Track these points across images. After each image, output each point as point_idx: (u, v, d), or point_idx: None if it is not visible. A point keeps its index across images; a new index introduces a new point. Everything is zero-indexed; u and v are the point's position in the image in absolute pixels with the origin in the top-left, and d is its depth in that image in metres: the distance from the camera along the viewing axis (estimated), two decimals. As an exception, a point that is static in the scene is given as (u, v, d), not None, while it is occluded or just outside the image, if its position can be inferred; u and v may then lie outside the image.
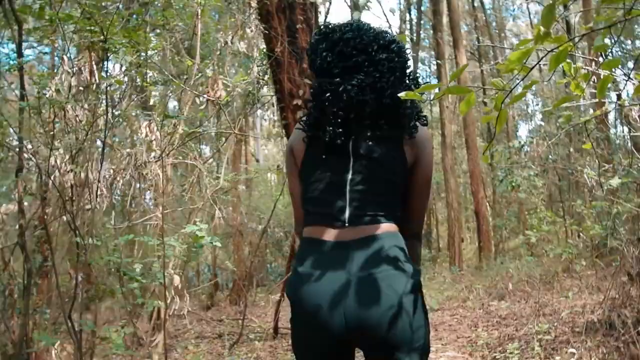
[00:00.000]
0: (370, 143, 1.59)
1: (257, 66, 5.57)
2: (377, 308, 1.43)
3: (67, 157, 3.50)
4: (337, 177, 1.60)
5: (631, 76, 2.60)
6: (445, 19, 15.86)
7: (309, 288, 1.50)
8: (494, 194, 18.00)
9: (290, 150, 1.73)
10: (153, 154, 3.85)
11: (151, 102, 4.79)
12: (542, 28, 1.46)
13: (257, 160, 17.23)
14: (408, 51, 1.74)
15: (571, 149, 9.93)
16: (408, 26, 21.60)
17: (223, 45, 5.09)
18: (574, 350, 3.16)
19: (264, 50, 5.74)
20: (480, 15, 20.71)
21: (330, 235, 1.54)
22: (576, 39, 1.81)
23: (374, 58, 1.60)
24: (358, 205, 1.56)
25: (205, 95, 4.50)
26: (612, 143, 8.91)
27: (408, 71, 1.71)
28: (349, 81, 1.56)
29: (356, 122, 1.59)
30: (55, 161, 3.46)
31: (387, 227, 1.56)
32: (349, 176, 1.59)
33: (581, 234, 7.75)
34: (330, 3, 7.37)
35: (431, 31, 18.14)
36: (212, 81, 4.64)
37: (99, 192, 3.54)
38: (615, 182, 2.69)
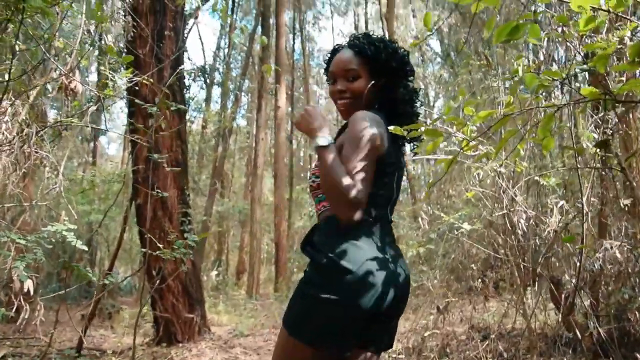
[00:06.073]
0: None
1: (109, 63, 5.17)
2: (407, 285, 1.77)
3: None
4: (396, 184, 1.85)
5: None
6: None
7: (389, 271, 1.65)
8: (289, 229, 19.03)
9: (382, 134, 1.74)
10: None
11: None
12: (511, 97, 1.85)
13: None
14: None
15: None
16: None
17: (85, 34, 4.62)
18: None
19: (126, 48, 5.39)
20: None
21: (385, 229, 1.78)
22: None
23: None
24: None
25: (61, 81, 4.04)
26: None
27: None
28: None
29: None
30: None
31: None
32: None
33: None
34: (196, 17, 7.22)
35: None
36: (68, 69, 4.20)
37: None
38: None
